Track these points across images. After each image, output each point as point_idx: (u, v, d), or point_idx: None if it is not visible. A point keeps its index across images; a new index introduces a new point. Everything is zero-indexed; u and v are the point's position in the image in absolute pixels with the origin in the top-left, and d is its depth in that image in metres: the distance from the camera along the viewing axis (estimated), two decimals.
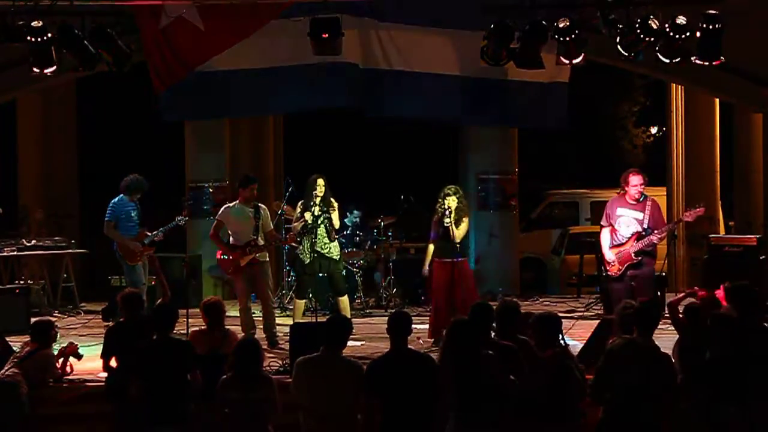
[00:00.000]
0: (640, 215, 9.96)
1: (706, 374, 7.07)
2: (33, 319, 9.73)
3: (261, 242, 10.57)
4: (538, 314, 7.43)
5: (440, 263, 10.41)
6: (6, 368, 8.26)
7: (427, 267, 10.61)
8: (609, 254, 10.11)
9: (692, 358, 7.29)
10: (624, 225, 10.03)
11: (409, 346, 7.15)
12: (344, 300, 11.08)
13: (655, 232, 9.92)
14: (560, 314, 7.92)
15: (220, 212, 10.81)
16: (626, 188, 10.05)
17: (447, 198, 10.40)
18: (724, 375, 6.99)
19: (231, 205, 10.77)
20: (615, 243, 10.06)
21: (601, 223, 10.31)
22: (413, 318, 7.35)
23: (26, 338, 8.81)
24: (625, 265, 9.97)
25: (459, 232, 10.36)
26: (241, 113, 13.52)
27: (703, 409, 7.00)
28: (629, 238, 9.97)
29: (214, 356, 7.91)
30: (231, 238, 10.65)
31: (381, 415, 6.74)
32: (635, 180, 10.00)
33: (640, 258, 9.93)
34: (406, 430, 6.72)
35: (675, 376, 7.00)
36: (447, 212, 10.29)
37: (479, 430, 6.73)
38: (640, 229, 9.94)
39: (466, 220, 10.51)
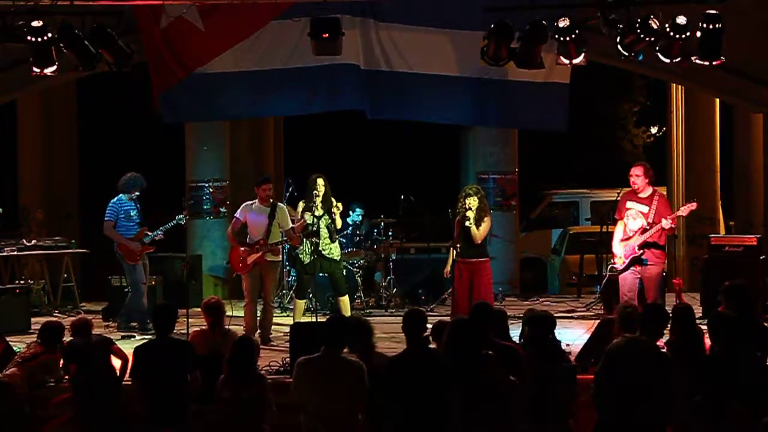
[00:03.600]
0: (645, 209, 10.08)
1: (707, 373, 7.06)
2: (44, 320, 9.55)
3: (274, 241, 10.58)
4: (529, 313, 7.45)
5: (461, 264, 10.29)
6: (8, 368, 8.22)
7: (449, 268, 10.47)
8: (616, 248, 10.23)
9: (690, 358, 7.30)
10: (632, 218, 10.14)
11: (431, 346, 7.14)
12: (345, 300, 11.08)
13: (656, 225, 9.99)
14: (559, 314, 7.90)
15: (238, 210, 10.87)
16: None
17: (468, 198, 10.31)
18: (725, 374, 6.99)
19: (250, 203, 10.79)
20: (624, 237, 10.18)
21: (615, 216, 10.46)
22: None
23: (27, 338, 8.77)
24: (630, 258, 10.06)
25: (480, 233, 10.29)
26: (241, 115, 13.50)
27: (704, 409, 7.00)
28: (635, 232, 10.07)
29: (214, 356, 7.91)
30: (248, 237, 10.71)
31: (397, 414, 6.71)
32: (633, 171, 10.18)
33: (642, 252, 10.00)
34: (423, 429, 6.70)
35: (675, 376, 6.99)
36: (465, 212, 10.24)
37: (479, 430, 6.74)
38: (644, 223, 10.02)
39: (487, 220, 10.38)
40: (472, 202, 10.28)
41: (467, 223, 10.22)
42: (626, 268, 10.09)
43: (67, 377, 8.63)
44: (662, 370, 6.83)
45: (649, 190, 10.13)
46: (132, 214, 11.09)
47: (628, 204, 10.19)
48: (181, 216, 11.10)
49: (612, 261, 10.44)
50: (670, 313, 7.70)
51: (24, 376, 8.16)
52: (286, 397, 7.22)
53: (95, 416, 7.58)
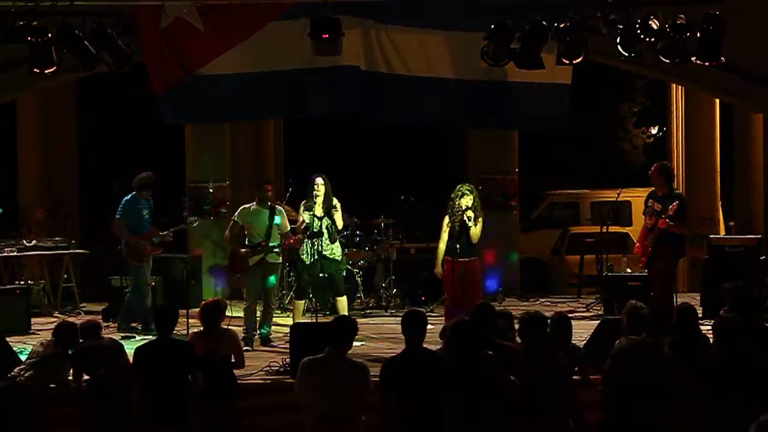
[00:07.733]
0: (660, 207, 10.13)
1: (708, 375, 7.06)
2: (44, 320, 9.48)
3: (274, 243, 10.56)
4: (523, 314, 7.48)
5: (453, 263, 10.22)
6: (22, 369, 8.10)
7: (440, 268, 10.41)
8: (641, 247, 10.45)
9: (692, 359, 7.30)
10: (648, 216, 10.30)
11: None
12: (342, 300, 11.08)
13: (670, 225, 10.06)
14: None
15: (236, 213, 10.84)
16: None
17: (464, 197, 10.29)
18: (728, 375, 6.98)
19: (247, 206, 10.78)
20: (642, 236, 10.40)
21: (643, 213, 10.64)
22: None
23: (27, 338, 8.71)
24: (647, 256, 10.23)
25: (478, 232, 10.28)
26: (242, 117, 13.47)
27: (705, 411, 7.00)
28: (648, 229, 10.23)
29: (213, 357, 7.90)
30: (247, 239, 10.68)
31: (396, 414, 6.69)
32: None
33: (651, 249, 10.13)
34: (422, 429, 6.70)
35: (681, 377, 6.99)
36: (465, 211, 10.19)
37: (479, 430, 6.74)
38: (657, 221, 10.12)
39: (481, 220, 10.34)
40: (468, 201, 10.25)
41: (469, 223, 10.19)
42: (648, 266, 10.29)
43: (81, 380, 8.44)
44: (668, 372, 6.83)
45: (666, 189, 10.22)
46: (144, 213, 11.08)
47: (649, 201, 10.33)
48: (193, 219, 11.13)
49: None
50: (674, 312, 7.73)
51: (41, 378, 8.06)
52: (288, 398, 7.22)
53: (105, 421, 7.54)
